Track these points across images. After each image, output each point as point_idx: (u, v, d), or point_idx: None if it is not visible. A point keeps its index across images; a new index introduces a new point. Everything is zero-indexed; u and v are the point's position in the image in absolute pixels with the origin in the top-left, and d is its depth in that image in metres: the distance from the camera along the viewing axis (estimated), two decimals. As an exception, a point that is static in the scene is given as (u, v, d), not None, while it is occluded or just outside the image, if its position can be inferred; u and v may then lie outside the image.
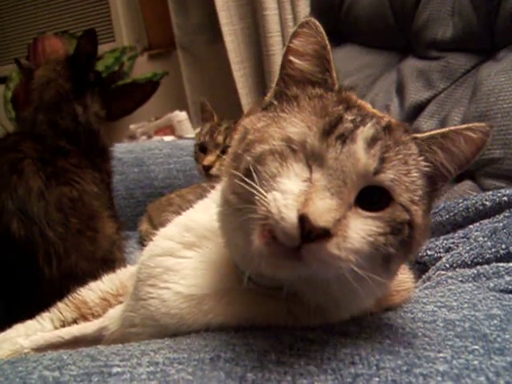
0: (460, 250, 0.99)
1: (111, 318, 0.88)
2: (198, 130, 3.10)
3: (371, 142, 0.61)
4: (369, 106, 0.70)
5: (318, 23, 0.68)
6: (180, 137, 3.12)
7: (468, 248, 0.98)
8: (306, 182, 0.59)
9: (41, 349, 0.87)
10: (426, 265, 1.07)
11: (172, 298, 0.71)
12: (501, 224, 1.00)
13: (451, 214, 1.14)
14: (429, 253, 1.07)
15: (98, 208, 1.39)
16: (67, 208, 1.30)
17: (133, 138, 3.35)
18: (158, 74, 3.55)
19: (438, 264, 1.02)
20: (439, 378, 0.57)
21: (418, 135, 0.66)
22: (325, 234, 0.55)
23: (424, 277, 1.03)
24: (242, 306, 0.69)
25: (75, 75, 1.52)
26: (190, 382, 0.57)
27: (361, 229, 0.58)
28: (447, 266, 0.97)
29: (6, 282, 1.30)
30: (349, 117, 0.63)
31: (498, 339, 0.64)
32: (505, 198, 1.08)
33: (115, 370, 0.59)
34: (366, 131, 0.61)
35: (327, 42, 0.68)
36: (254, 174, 0.60)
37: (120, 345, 0.69)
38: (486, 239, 0.97)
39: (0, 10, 4.24)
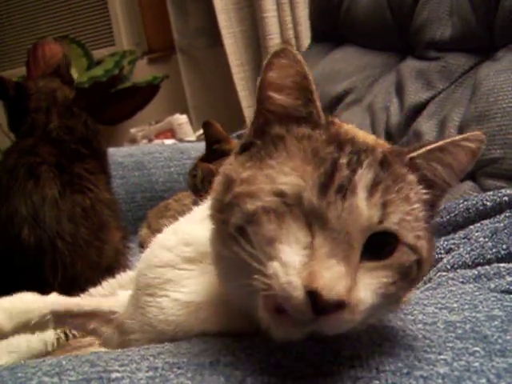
0: (461, 251, 0.99)
1: (121, 305, 0.85)
2: (198, 132, 3.12)
3: (372, 189, 0.56)
4: (356, 131, 0.65)
5: (294, 51, 0.62)
6: (181, 140, 3.12)
7: (469, 249, 0.98)
8: (308, 248, 0.54)
9: (59, 315, 0.85)
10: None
11: (169, 305, 0.71)
12: (501, 224, 0.99)
13: (452, 214, 1.13)
14: (430, 254, 1.07)
15: (107, 217, 1.40)
16: (79, 217, 1.32)
17: (133, 141, 3.35)
18: (157, 77, 3.56)
19: (438, 265, 1.01)
20: (440, 381, 0.56)
21: (415, 154, 0.62)
22: (340, 305, 0.52)
23: (425, 278, 1.02)
24: (241, 317, 0.66)
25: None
26: (189, 386, 0.57)
27: (370, 283, 0.55)
28: (448, 267, 0.97)
29: (9, 286, 1.30)
30: (344, 160, 0.58)
31: (499, 341, 0.64)
32: (505, 198, 1.07)
33: (114, 375, 0.59)
34: (364, 176, 0.56)
35: (307, 70, 0.61)
36: (248, 236, 0.56)
37: (119, 350, 0.69)
38: (486, 240, 0.97)
39: (-1, 15, 4.25)
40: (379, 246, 0.56)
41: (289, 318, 0.53)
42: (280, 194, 0.56)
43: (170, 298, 0.72)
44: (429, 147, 0.62)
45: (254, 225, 0.56)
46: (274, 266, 0.53)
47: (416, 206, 0.59)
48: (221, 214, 0.61)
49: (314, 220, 0.55)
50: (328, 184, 0.55)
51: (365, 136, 0.65)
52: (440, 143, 0.62)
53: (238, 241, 0.57)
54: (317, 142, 0.60)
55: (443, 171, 0.63)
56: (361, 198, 0.55)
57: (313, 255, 0.53)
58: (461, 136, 0.62)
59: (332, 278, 0.51)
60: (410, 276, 0.59)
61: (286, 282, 0.52)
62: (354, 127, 0.67)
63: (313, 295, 0.50)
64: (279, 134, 0.62)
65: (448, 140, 0.62)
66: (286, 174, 0.57)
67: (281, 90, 0.62)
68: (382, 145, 0.65)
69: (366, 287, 0.55)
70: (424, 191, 0.61)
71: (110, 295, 0.99)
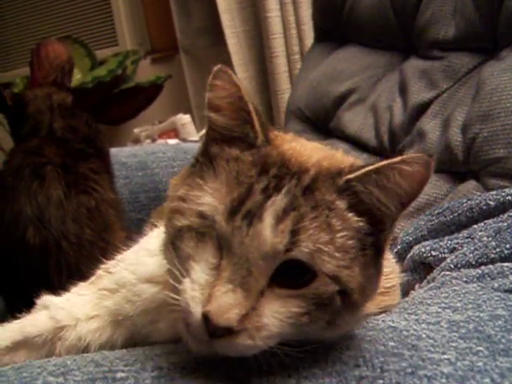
0: (464, 251, 0.99)
1: (72, 318, 0.80)
2: (202, 132, 3.12)
3: (282, 216, 0.55)
4: (300, 149, 0.64)
5: (230, 72, 0.62)
6: (184, 140, 3.12)
7: (472, 248, 0.98)
8: (214, 269, 0.56)
9: None
10: (430, 265, 1.06)
11: (169, 325, 0.72)
12: (505, 224, 0.99)
13: (455, 214, 1.13)
14: (433, 253, 1.07)
15: (112, 218, 1.41)
16: (83, 218, 1.32)
17: (137, 141, 3.36)
18: (161, 77, 3.56)
19: (442, 264, 1.01)
20: (444, 380, 0.57)
21: (352, 176, 0.59)
22: (230, 332, 0.53)
23: (429, 277, 1.02)
24: None
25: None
26: (193, 386, 0.57)
27: (278, 311, 0.55)
28: (451, 266, 0.97)
29: (13, 286, 1.31)
30: (260, 185, 0.57)
31: (503, 340, 0.64)
32: (509, 198, 1.07)
33: (119, 375, 0.59)
34: (277, 202, 0.56)
35: (243, 91, 0.62)
36: (174, 251, 0.60)
37: (124, 350, 0.69)
38: (490, 239, 0.97)
39: (2, 15, 4.25)
40: (296, 274, 0.56)
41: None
42: (201, 216, 0.58)
43: (169, 319, 0.72)
44: (364, 170, 0.59)
45: (179, 240, 0.60)
46: (186, 282, 0.57)
47: (341, 234, 0.57)
48: (167, 220, 0.64)
49: (223, 243, 0.57)
50: (237, 209, 0.56)
51: (310, 155, 0.63)
52: (376, 165, 0.59)
53: (169, 256, 0.61)
54: (243, 164, 0.60)
55: (381, 195, 0.59)
56: (266, 225, 0.55)
57: (217, 277, 0.55)
58: (399, 158, 0.58)
59: (224, 303, 0.53)
60: (330, 307, 0.57)
61: (190, 296, 0.55)
62: (303, 144, 0.67)
63: (206, 318, 0.53)
64: (215, 154, 0.63)
65: (384, 162, 0.59)
66: (208, 196, 0.59)
67: (218, 110, 0.63)
68: (329, 164, 0.62)
69: (273, 314, 0.55)
70: (356, 218, 0.59)
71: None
